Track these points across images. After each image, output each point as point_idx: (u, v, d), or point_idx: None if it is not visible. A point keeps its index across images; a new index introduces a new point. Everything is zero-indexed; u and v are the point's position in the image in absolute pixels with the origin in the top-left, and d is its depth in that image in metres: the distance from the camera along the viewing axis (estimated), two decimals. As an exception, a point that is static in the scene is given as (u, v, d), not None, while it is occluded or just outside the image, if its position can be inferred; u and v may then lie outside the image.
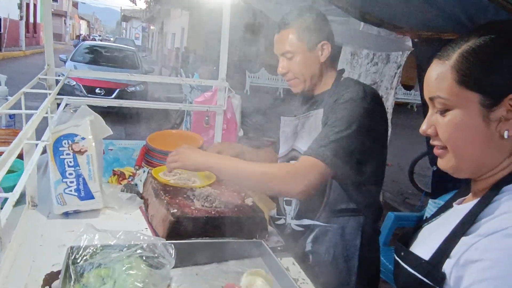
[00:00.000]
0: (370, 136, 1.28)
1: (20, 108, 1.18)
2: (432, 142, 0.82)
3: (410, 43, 2.38)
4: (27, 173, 0.94)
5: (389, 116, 3.70)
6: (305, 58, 1.38)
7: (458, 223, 0.76)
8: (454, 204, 0.88)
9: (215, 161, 1.34)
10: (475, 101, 0.73)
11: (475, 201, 0.78)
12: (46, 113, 1.19)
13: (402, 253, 0.87)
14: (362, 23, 2.60)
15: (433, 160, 2.67)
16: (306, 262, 1.37)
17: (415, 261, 0.81)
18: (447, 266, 0.74)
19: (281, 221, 1.54)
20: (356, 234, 1.36)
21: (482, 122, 0.73)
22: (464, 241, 0.72)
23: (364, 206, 1.37)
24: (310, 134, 1.39)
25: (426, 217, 0.98)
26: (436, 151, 0.82)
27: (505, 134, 0.72)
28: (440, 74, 0.77)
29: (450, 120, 0.76)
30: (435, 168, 2.51)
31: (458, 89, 0.74)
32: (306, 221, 1.42)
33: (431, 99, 0.79)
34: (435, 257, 0.77)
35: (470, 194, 0.85)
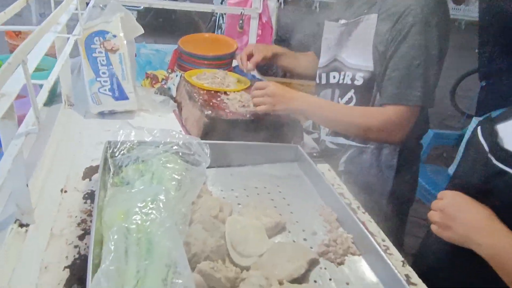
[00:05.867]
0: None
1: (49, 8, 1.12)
2: None
3: None
4: (60, 63, 0.92)
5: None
6: None
7: None
8: None
9: (310, 105, 1.25)
10: None
11: None
12: (76, 9, 1.14)
13: None
14: None
15: (484, 75, 2.46)
16: None
17: None
18: None
19: (315, 135, 1.48)
20: (393, 154, 1.28)
21: None
22: None
23: None
24: (357, 44, 1.26)
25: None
26: None
27: None
28: None
29: None
30: (483, 84, 2.33)
31: None
32: (342, 140, 1.36)
33: None
34: None
35: None
